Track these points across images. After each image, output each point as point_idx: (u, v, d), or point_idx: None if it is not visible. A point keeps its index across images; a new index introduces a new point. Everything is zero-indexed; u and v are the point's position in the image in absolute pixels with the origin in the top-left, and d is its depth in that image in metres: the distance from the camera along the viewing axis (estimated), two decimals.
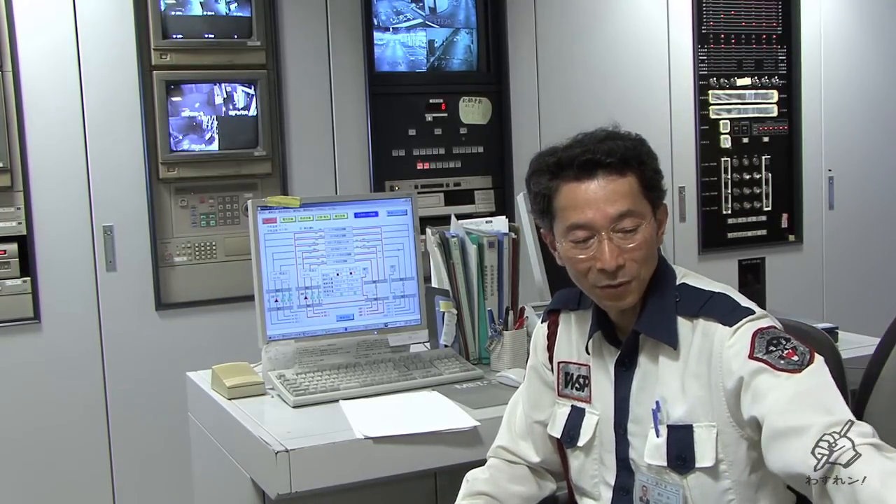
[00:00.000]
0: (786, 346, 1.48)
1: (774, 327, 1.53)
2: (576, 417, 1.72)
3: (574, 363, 1.75)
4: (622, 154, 1.57)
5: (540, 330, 1.84)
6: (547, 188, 1.61)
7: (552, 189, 1.60)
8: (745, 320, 1.53)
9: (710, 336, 1.54)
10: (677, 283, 1.63)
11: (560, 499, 1.86)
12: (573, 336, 1.76)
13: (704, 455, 1.54)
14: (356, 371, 2.26)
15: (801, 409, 1.42)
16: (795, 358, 1.47)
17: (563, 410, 1.76)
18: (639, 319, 1.62)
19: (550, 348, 1.80)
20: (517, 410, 1.86)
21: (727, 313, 1.55)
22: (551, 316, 1.81)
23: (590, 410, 1.71)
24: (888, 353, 1.92)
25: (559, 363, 1.78)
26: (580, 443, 1.71)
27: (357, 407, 2.09)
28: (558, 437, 1.76)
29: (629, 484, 1.65)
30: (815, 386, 1.45)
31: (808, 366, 1.46)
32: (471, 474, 1.80)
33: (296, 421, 2.03)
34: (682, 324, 1.59)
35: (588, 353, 1.71)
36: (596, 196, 1.57)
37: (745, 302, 1.58)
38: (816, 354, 1.49)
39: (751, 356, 1.48)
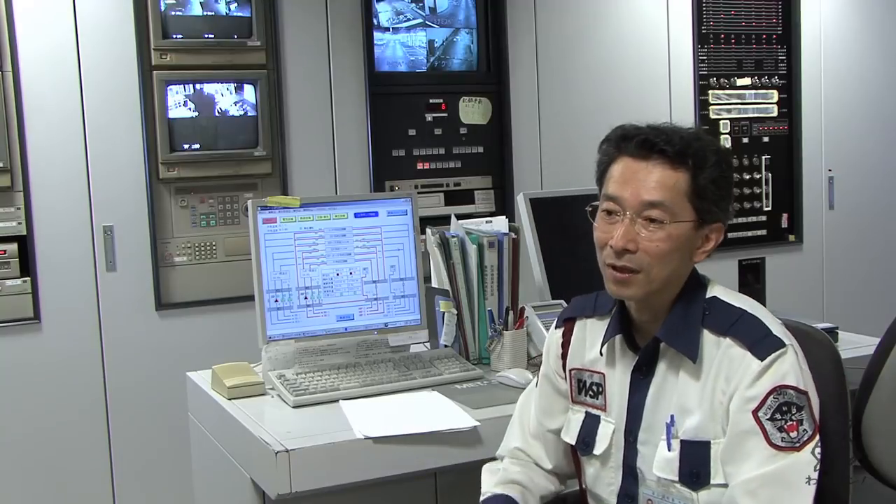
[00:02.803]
0: (792, 417, 1.47)
1: (794, 388, 1.49)
2: (591, 424, 1.71)
3: (588, 370, 1.73)
4: (682, 147, 1.55)
5: (553, 336, 1.82)
6: (607, 155, 1.63)
7: (612, 157, 1.62)
8: (773, 357, 1.50)
9: (737, 363, 1.52)
10: (708, 295, 1.61)
11: (569, 498, 1.86)
12: (587, 343, 1.74)
13: (721, 471, 1.53)
14: (356, 371, 2.26)
15: (765, 499, 1.45)
16: (794, 434, 1.47)
17: (577, 416, 1.74)
18: (662, 327, 1.60)
19: (564, 356, 1.78)
20: (530, 412, 1.84)
21: (757, 341, 1.52)
22: (567, 324, 1.79)
23: (605, 419, 1.69)
24: (888, 353, 1.92)
25: (572, 370, 1.76)
26: (596, 451, 1.69)
27: (357, 407, 2.09)
28: (573, 443, 1.74)
29: (634, 491, 1.64)
30: (790, 478, 1.46)
31: (802, 447, 1.47)
32: (500, 465, 1.80)
33: (296, 421, 2.03)
34: (708, 338, 1.56)
35: (601, 355, 1.69)
36: (639, 177, 1.56)
37: (776, 328, 1.54)
38: (817, 436, 1.49)
39: (755, 412, 1.48)
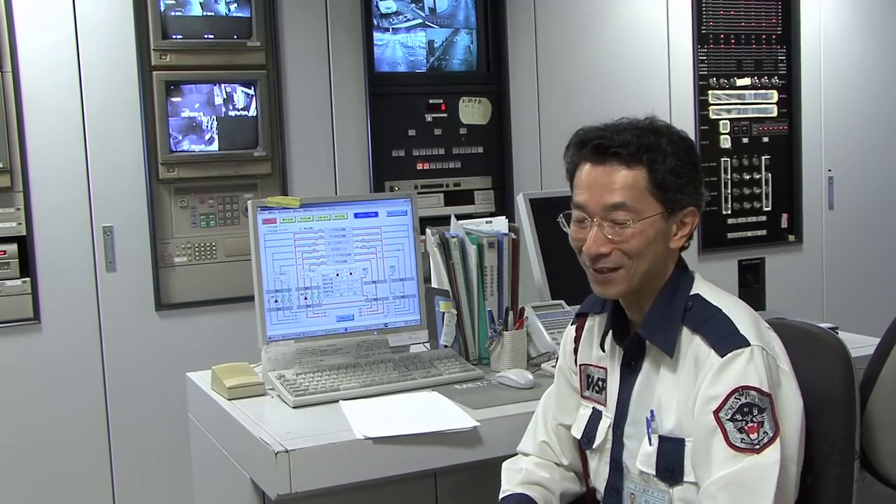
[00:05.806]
0: (753, 418, 1.47)
1: (757, 389, 1.48)
2: (594, 419, 1.73)
3: (594, 366, 1.76)
4: (635, 147, 1.57)
5: (568, 333, 1.86)
6: (572, 162, 1.67)
7: (575, 164, 1.66)
8: (732, 354, 1.49)
9: (702, 360, 1.53)
10: (692, 291, 1.61)
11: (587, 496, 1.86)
12: (594, 339, 1.77)
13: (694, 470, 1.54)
14: (356, 371, 2.26)
15: (724, 502, 1.45)
16: (754, 436, 1.46)
17: (585, 412, 1.77)
18: (642, 322, 1.62)
19: (576, 351, 1.81)
20: (551, 407, 1.86)
21: (721, 339, 1.52)
22: (580, 319, 1.82)
23: (605, 413, 1.71)
24: (888, 353, 1.92)
25: (581, 365, 1.79)
26: (595, 445, 1.71)
27: (357, 407, 2.09)
28: (579, 437, 1.77)
29: (619, 485, 1.65)
30: (749, 481, 1.45)
31: (762, 449, 1.46)
32: (522, 464, 1.80)
33: (296, 421, 2.03)
34: (685, 335, 1.57)
35: (604, 352, 1.72)
36: (597, 181, 1.59)
37: (745, 328, 1.53)
38: (778, 438, 1.47)
39: (716, 412, 1.48)
